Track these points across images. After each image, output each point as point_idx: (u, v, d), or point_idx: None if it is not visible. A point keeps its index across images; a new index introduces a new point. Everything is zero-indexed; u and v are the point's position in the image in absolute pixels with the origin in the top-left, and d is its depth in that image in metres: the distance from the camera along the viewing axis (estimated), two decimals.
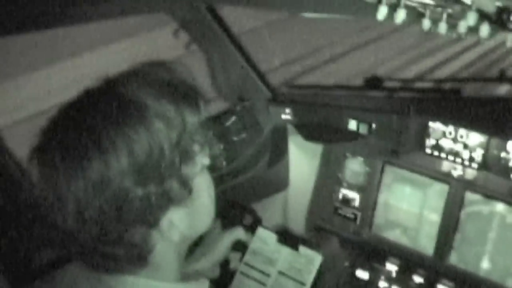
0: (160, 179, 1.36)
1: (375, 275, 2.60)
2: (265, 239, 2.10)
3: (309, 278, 2.02)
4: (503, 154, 2.27)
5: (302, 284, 2.02)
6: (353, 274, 2.53)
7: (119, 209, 1.33)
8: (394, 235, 2.69)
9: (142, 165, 1.32)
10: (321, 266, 2.02)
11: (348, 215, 2.80)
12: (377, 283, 2.61)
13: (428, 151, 2.43)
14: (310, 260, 2.04)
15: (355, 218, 2.78)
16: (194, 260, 2.05)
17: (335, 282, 2.33)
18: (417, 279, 2.59)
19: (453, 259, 2.55)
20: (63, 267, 1.69)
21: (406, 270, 2.62)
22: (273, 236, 2.10)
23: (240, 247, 2.11)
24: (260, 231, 2.12)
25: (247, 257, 2.09)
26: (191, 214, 1.48)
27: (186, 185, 1.43)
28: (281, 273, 2.05)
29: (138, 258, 1.44)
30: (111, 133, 1.32)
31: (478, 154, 2.32)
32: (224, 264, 2.10)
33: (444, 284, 2.54)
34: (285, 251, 2.07)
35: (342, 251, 2.67)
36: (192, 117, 1.43)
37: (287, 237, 2.10)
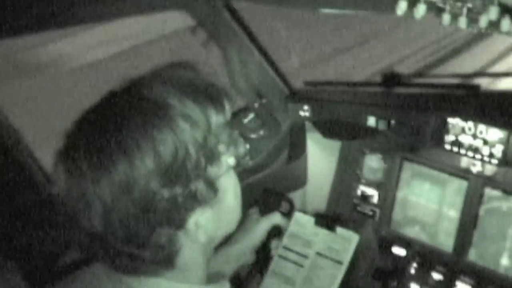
0: (186, 180, 1.36)
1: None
2: (302, 223, 2.14)
3: (347, 257, 2.04)
4: None
5: (340, 263, 2.04)
6: (389, 251, 2.51)
7: (145, 211, 1.33)
8: (413, 232, 2.68)
9: (167, 166, 1.32)
10: (358, 245, 2.04)
11: (366, 211, 2.79)
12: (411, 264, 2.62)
13: (447, 147, 2.42)
14: (347, 240, 2.06)
15: (374, 215, 2.77)
16: (232, 245, 2.06)
17: (372, 260, 2.32)
18: (436, 276, 2.58)
19: (472, 255, 2.54)
20: (85, 268, 1.69)
21: (425, 267, 2.61)
22: (311, 219, 2.13)
23: (277, 233, 2.14)
24: (298, 215, 2.16)
25: (285, 241, 2.13)
26: (217, 214, 1.48)
27: (212, 185, 1.43)
28: (318, 254, 2.08)
29: (165, 260, 1.44)
30: (135, 134, 1.32)
31: (498, 150, 2.31)
32: (262, 249, 2.13)
33: (463, 281, 2.52)
34: (323, 232, 2.10)
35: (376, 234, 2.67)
36: (217, 117, 1.43)
37: (324, 219, 2.12)
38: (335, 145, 2.90)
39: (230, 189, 1.53)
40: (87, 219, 1.35)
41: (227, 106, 1.47)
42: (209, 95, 1.44)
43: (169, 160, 1.32)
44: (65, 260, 2.01)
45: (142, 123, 1.34)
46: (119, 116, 1.36)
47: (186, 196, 1.37)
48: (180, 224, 1.40)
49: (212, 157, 1.41)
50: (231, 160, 1.51)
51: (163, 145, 1.32)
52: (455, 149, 2.41)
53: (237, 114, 2.61)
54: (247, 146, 1.91)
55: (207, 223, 1.44)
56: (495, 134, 2.29)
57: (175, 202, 1.35)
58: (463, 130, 2.36)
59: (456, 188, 2.56)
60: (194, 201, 1.39)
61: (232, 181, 1.55)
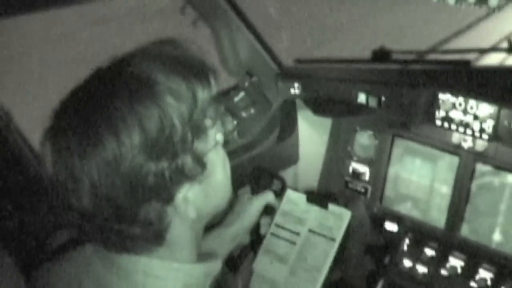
0: (173, 154, 1.37)
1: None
2: (294, 200, 2.14)
3: (339, 234, 2.05)
4: None
5: (332, 240, 2.05)
6: (381, 227, 2.51)
7: (133, 186, 1.34)
8: (405, 208, 2.69)
9: (154, 140, 1.33)
10: (350, 221, 2.04)
11: (358, 188, 2.80)
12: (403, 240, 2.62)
13: (438, 123, 2.42)
14: (339, 217, 2.07)
15: (366, 192, 2.77)
16: (226, 226, 2.07)
17: (364, 236, 2.33)
18: (429, 251, 2.59)
19: (465, 231, 2.55)
20: (77, 248, 1.69)
21: (417, 243, 2.62)
22: (303, 196, 2.13)
23: (270, 211, 2.14)
24: (289, 192, 2.16)
25: (277, 219, 2.13)
26: (206, 190, 1.49)
27: (200, 160, 1.43)
28: (311, 231, 2.08)
29: (154, 237, 1.44)
30: (122, 110, 1.33)
31: (488, 125, 2.30)
32: (255, 229, 2.14)
33: (456, 257, 2.53)
34: (315, 210, 2.11)
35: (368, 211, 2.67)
36: (203, 92, 1.43)
37: (316, 197, 2.13)
38: (326, 122, 2.90)
39: (218, 165, 1.53)
40: (76, 197, 1.36)
41: (213, 81, 1.48)
42: (195, 70, 1.44)
43: (155, 135, 1.33)
44: (55, 241, 2.00)
45: (128, 99, 1.34)
46: (105, 92, 1.37)
47: (174, 171, 1.37)
48: (168, 199, 1.41)
49: (198, 131, 1.42)
50: (218, 136, 1.52)
51: (149, 120, 1.33)
52: (446, 125, 2.40)
53: (228, 93, 2.60)
54: (235, 122, 1.91)
55: (196, 198, 1.45)
56: (485, 109, 2.29)
57: (162, 176, 1.36)
58: (453, 106, 2.36)
59: (448, 164, 2.56)
60: (181, 176, 1.39)
61: (220, 157, 1.56)
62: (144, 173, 1.34)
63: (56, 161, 1.37)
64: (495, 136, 2.30)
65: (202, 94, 1.43)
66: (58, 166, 1.37)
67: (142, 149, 1.32)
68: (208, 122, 1.46)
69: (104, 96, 1.36)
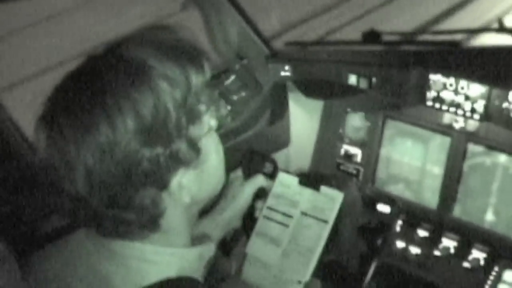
0: (168, 140, 1.37)
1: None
2: (286, 183, 2.13)
3: (332, 216, 2.04)
4: (505, 105, 2.24)
5: (325, 221, 2.04)
6: (374, 209, 2.52)
7: (128, 172, 1.34)
8: (397, 190, 2.69)
9: (148, 126, 1.34)
10: (343, 203, 2.05)
11: (350, 170, 2.80)
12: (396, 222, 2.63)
13: (429, 103, 2.42)
14: (332, 198, 2.06)
15: (358, 174, 2.78)
16: (219, 212, 2.07)
17: (357, 218, 2.34)
18: (422, 232, 2.60)
19: (457, 211, 2.55)
20: (70, 234, 1.69)
21: (410, 224, 2.62)
22: (295, 178, 2.13)
23: (262, 195, 2.14)
24: (281, 175, 2.15)
25: (269, 201, 2.12)
26: (200, 175, 1.50)
27: (194, 146, 1.44)
28: (303, 213, 2.08)
29: (149, 222, 1.45)
30: (116, 96, 1.33)
31: (479, 105, 2.30)
32: (248, 212, 2.14)
33: (448, 237, 2.54)
34: (307, 192, 2.10)
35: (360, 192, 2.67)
36: (196, 77, 1.44)
37: (308, 179, 2.12)
38: (317, 104, 2.89)
39: (212, 150, 1.54)
40: (70, 182, 1.37)
41: (207, 67, 1.48)
42: (189, 55, 1.45)
43: (149, 120, 1.34)
44: (49, 227, 2.00)
45: (122, 85, 1.35)
46: (99, 78, 1.37)
47: (168, 156, 1.38)
48: (163, 185, 1.41)
49: (193, 117, 1.43)
50: (212, 121, 1.52)
51: (143, 105, 1.33)
52: (437, 105, 2.40)
53: (218, 76, 2.59)
54: (228, 107, 1.91)
55: (190, 184, 1.46)
56: (476, 89, 2.29)
57: (157, 162, 1.36)
58: (444, 86, 2.36)
59: (439, 144, 2.56)
60: (176, 161, 1.40)
61: (215, 142, 1.56)
62: (138, 158, 1.34)
63: (50, 148, 1.38)
64: (486, 116, 2.30)
65: (196, 79, 1.44)
66: (52, 153, 1.37)
67: (137, 134, 1.33)
68: (202, 107, 1.47)
69: (98, 82, 1.37)
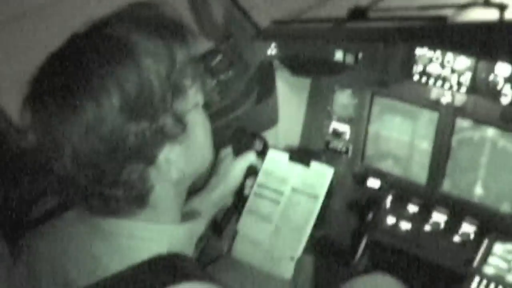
0: (153, 115, 1.39)
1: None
2: (276, 159, 2.14)
3: (322, 191, 2.05)
4: (491, 77, 2.25)
5: (316, 197, 2.05)
6: (364, 184, 2.52)
7: (114, 148, 1.35)
8: (387, 166, 2.69)
9: (133, 101, 1.35)
10: (333, 179, 2.05)
11: (339, 148, 2.79)
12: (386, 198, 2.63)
13: (416, 77, 2.41)
14: (322, 174, 2.07)
15: (347, 151, 2.77)
16: (209, 190, 2.08)
17: (347, 194, 2.34)
18: (412, 208, 2.60)
19: (447, 186, 2.56)
20: (60, 215, 1.69)
21: (400, 199, 2.63)
22: (285, 155, 2.13)
23: (253, 172, 2.14)
24: (271, 152, 2.16)
25: (260, 178, 2.13)
26: (188, 150, 1.51)
27: (180, 120, 1.45)
28: (294, 189, 2.09)
29: (137, 199, 1.47)
30: (100, 73, 1.34)
31: (466, 78, 2.30)
32: (238, 190, 2.14)
33: (438, 212, 2.54)
34: (297, 168, 2.11)
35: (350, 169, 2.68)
36: (181, 52, 1.46)
37: (298, 155, 2.13)
38: (304, 83, 2.89)
39: (199, 125, 1.55)
40: (58, 162, 1.38)
41: (191, 41, 1.49)
42: (172, 30, 1.46)
43: (134, 96, 1.35)
44: (39, 209, 2.00)
45: (106, 62, 1.36)
46: (82, 56, 1.38)
47: (154, 131, 1.39)
48: (150, 160, 1.42)
49: (178, 91, 1.44)
50: (198, 96, 1.53)
51: (127, 81, 1.34)
52: (424, 79, 2.40)
53: (205, 56, 2.58)
54: (214, 83, 1.91)
55: (177, 159, 1.47)
56: (463, 62, 2.29)
57: (143, 137, 1.38)
58: (430, 60, 2.35)
59: (427, 120, 2.57)
60: (162, 136, 1.41)
61: (201, 117, 1.57)
62: (124, 134, 1.36)
63: (36, 128, 1.39)
64: (473, 89, 2.31)
65: (180, 54, 1.45)
66: (39, 133, 1.39)
67: (122, 110, 1.34)
68: (187, 82, 1.48)
69: (82, 59, 1.37)
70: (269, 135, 2.80)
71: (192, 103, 1.51)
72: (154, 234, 1.53)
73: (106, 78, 1.34)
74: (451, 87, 2.35)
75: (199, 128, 1.56)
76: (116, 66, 1.35)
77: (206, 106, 1.62)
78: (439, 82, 2.37)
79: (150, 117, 1.38)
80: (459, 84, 2.32)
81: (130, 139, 1.36)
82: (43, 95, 1.38)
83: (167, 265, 1.50)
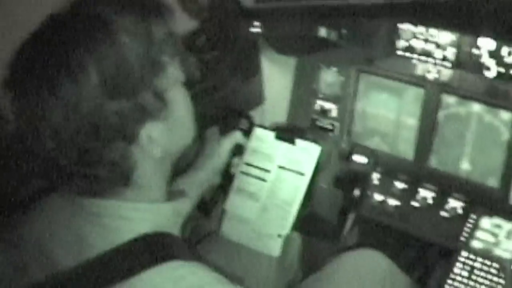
0: (132, 92, 1.38)
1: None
2: (262, 137, 2.14)
3: (309, 169, 2.05)
4: (474, 51, 2.26)
5: (302, 175, 2.05)
6: (350, 159, 2.52)
7: (94, 127, 1.34)
8: (373, 143, 2.70)
9: (112, 80, 1.34)
10: (320, 156, 2.05)
11: (326, 126, 2.80)
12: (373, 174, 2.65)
13: (400, 53, 2.42)
14: (309, 152, 2.07)
15: (333, 129, 2.78)
16: (196, 169, 2.08)
17: (334, 171, 2.34)
18: (399, 184, 2.61)
19: (434, 162, 2.57)
20: (44, 198, 1.68)
21: (387, 176, 2.64)
22: (271, 133, 2.13)
23: (239, 151, 2.14)
24: (257, 130, 2.15)
25: (246, 157, 2.13)
26: (170, 127, 1.50)
27: (160, 97, 1.44)
28: (281, 167, 2.09)
29: (121, 178, 1.45)
30: (77, 52, 1.33)
31: (450, 53, 2.31)
32: (225, 169, 2.14)
33: (426, 188, 2.56)
34: (283, 146, 2.10)
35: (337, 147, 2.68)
36: (158, 28, 1.45)
37: (284, 133, 2.12)
38: (290, 61, 2.89)
39: (180, 101, 1.54)
40: (39, 143, 1.37)
41: (169, 17, 1.48)
42: (149, 7, 1.46)
43: (112, 74, 1.34)
44: (24, 193, 1.99)
45: (83, 41, 1.35)
46: (59, 36, 1.37)
47: (134, 109, 1.38)
48: (132, 139, 1.41)
49: (157, 68, 1.43)
50: (178, 73, 1.52)
51: (105, 59, 1.34)
52: (408, 54, 2.41)
53: (188, 37, 2.57)
54: (195, 59, 1.90)
55: (159, 136, 1.46)
56: (446, 37, 2.30)
57: (123, 115, 1.37)
58: (414, 35, 2.36)
59: (413, 96, 2.57)
60: (143, 113, 1.40)
61: (182, 94, 1.56)
62: (104, 113, 1.34)
63: (16, 111, 1.38)
64: (457, 63, 2.31)
65: (158, 31, 1.44)
66: (18, 115, 1.38)
67: (101, 89, 1.33)
68: (166, 58, 1.46)
69: (59, 39, 1.37)
70: (256, 114, 2.80)
71: (172, 79, 1.50)
72: (139, 213, 1.52)
73: (84, 57, 1.33)
74: (435, 62, 2.35)
75: (180, 104, 1.54)
76: (94, 45, 1.35)
77: (191, 85, 1.61)
78: (423, 57, 2.37)
79: (129, 94, 1.37)
80: (444, 58, 2.33)
81: (110, 118, 1.35)
82: (21, 77, 1.38)
83: (153, 245, 1.50)
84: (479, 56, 2.25)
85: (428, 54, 2.36)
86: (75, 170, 1.40)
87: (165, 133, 1.47)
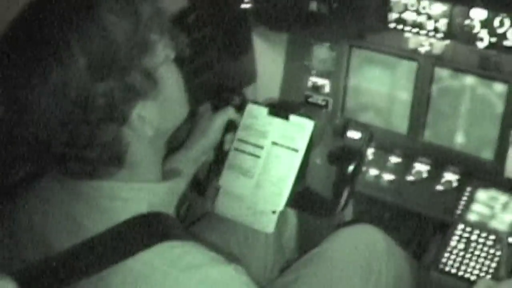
0: (121, 72, 1.36)
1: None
2: (255, 114, 2.12)
3: (303, 144, 2.04)
4: (466, 22, 2.26)
5: (296, 150, 2.04)
6: (344, 135, 2.52)
7: (84, 109, 1.33)
8: (367, 118, 2.70)
9: (99, 61, 1.33)
10: (313, 131, 2.04)
11: (319, 102, 2.79)
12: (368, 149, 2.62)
13: (392, 25, 2.41)
14: (302, 127, 2.05)
15: (327, 105, 2.77)
16: (189, 147, 2.07)
17: (328, 147, 2.34)
18: (394, 159, 2.62)
19: (428, 136, 2.57)
20: (37, 181, 1.67)
21: (382, 151, 2.63)
22: (264, 109, 2.11)
23: (232, 127, 2.12)
24: (250, 106, 2.13)
25: (239, 133, 2.11)
26: (161, 106, 1.48)
27: (150, 76, 1.43)
28: (274, 143, 2.07)
29: (114, 159, 1.44)
30: (63, 35, 1.32)
31: (442, 24, 2.30)
32: (218, 146, 2.13)
33: (421, 162, 2.56)
34: (277, 121, 2.09)
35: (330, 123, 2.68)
36: (145, 6, 1.44)
37: (277, 108, 2.11)
38: (281, 38, 2.87)
39: (170, 79, 1.53)
40: (29, 128, 1.36)
41: None
42: None
43: (100, 55, 1.33)
44: (15, 177, 1.98)
45: (68, 22, 1.34)
46: (44, 19, 1.36)
47: (123, 89, 1.37)
48: (122, 119, 1.40)
49: (145, 47, 1.42)
50: (168, 51, 1.51)
51: (91, 41, 1.33)
52: (400, 26, 2.40)
53: (180, 14, 2.55)
54: (185, 37, 1.88)
55: (151, 115, 1.45)
56: (438, 8, 2.29)
57: (113, 96, 1.36)
58: (405, 7, 2.35)
59: (406, 70, 2.56)
60: (133, 93, 1.39)
61: (172, 72, 1.55)
62: (93, 95, 1.33)
63: (4, 96, 1.37)
64: (449, 34, 2.30)
65: (145, 9, 1.43)
66: (7, 101, 1.37)
67: (88, 71, 1.32)
68: (154, 36, 1.45)
69: (43, 23, 1.35)
70: (248, 91, 2.79)
71: (162, 57, 1.48)
72: (134, 193, 1.51)
73: (70, 39, 1.32)
74: (427, 34, 2.34)
75: (171, 82, 1.53)
76: (79, 26, 1.33)
77: (182, 63, 1.60)
78: (415, 29, 2.36)
79: (118, 75, 1.36)
80: (436, 30, 2.32)
81: (99, 100, 1.34)
82: (7, 62, 1.37)
83: (149, 225, 1.49)
84: (472, 27, 2.24)
85: (420, 26, 2.35)
86: (66, 153, 1.39)
87: (156, 112, 1.46)
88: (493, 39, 2.28)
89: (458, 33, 2.29)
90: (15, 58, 1.35)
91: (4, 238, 1.63)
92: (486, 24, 2.26)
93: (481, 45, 2.26)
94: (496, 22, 2.26)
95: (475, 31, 2.26)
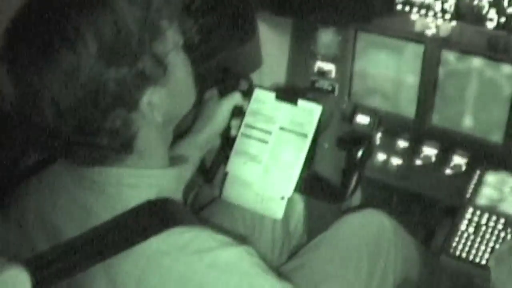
0: (132, 58, 1.36)
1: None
2: (263, 99, 2.11)
3: (311, 129, 2.03)
4: (475, 2, 2.24)
5: (304, 135, 2.03)
6: (352, 120, 2.50)
7: (94, 95, 1.33)
8: (374, 102, 2.68)
9: (110, 47, 1.32)
10: (321, 116, 2.03)
11: (325, 87, 2.77)
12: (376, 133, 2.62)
13: (399, 7, 2.39)
14: (310, 112, 2.05)
15: (333, 89, 2.75)
16: (195, 133, 2.06)
17: (336, 131, 2.33)
18: (402, 143, 2.60)
19: (436, 119, 2.56)
20: (46, 169, 1.67)
21: (389, 135, 2.62)
22: (271, 94, 2.10)
23: (239, 112, 2.12)
24: (257, 91, 2.13)
25: (247, 119, 2.10)
26: (170, 92, 1.48)
27: (160, 62, 1.42)
28: (282, 128, 2.06)
29: (123, 145, 1.44)
30: (74, 20, 1.31)
31: (450, 5, 2.28)
32: (226, 132, 2.12)
33: (429, 146, 2.55)
34: (284, 106, 2.08)
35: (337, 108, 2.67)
36: None
37: (285, 93, 2.10)
38: (286, 23, 2.85)
39: (179, 66, 1.53)
40: (39, 114, 1.35)
41: None
42: None
43: (111, 40, 1.32)
44: (24, 165, 1.98)
45: (80, 7, 1.33)
46: (55, 4, 1.36)
47: (134, 75, 1.37)
48: (132, 105, 1.40)
49: (156, 33, 1.42)
50: (177, 37, 1.51)
51: (103, 27, 1.32)
52: (407, 8, 2.38)
53: (185, 2, 2.54)
54: (193, 22, 1.87)
55: (160, 102, 1.44)
56: None
57: (123, 82, 1.35)
58: None
59: (413, 53, 2.54)
60: (143, 79, 1.39)
61: (181, 58, 1.55)
62: (104, 80, 1.33)
63: (14, 82, 1.36)
64: (457, 15, 2.28)
65: None
66: (17, 86, 1.36)
67: (100, 56, 1.32)
68: (164, 23, 1.45)
69: (55, 8, 1.35)
70: (254, 77, 2.78)
71: (171, 44, 1.48)
72: (142, 180, 1.51)
73: (81, 25, 1.31)
74: (435, 15, 2.32)
75: (180, 69, 1.53)
76: (91, 12, 1.33)
77: (189, 49, 1.60)
78: (423, 11, 2.35)
79: (129, 61, 1.36)
80: (444, 11, 2.30)
81: (110, 85, 1.34)
82: (17, 47, 1.36)
83: (158, 211, 1.49)
84: (481, 7, 2.23)
85: (427, 7, 2.33)
86: (76, 139, 1.39)
87: (166, 98, 1.46)
88: (502, 19, 2.26)
89: (466, 13, 2.27)
90: (26, 43, 1.35)
91: (14, 226, 1.64)
92: (495, 3, 2.24)
93: (490, 25, 2.24)
94: (506, 2, 2.23)
95: (484, 11, 2.24)
